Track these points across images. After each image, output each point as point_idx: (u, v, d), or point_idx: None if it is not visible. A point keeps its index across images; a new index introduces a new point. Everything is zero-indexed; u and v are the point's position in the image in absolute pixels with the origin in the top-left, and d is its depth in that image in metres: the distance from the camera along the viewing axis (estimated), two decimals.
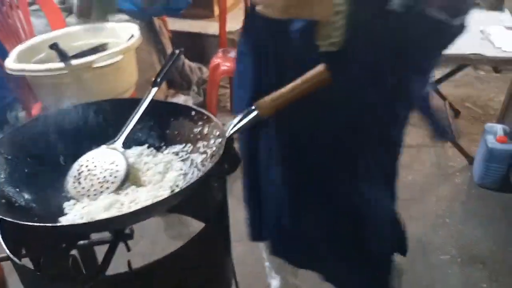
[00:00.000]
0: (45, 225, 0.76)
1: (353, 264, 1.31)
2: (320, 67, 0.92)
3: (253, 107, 0.96)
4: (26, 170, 0.96)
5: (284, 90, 0.95)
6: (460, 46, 2.35)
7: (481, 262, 2.06)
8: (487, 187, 2.47)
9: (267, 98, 0.95)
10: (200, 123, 1.05)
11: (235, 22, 3.61)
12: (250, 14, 1.15)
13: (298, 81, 0.94)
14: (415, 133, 2.95)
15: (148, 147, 1.08)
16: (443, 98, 3.00)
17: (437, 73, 3.13)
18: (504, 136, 2.38)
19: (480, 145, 2.51)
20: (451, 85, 3.40)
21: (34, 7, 2.69)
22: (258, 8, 0.88)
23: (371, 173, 1.17)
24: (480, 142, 2.53)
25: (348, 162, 1.16)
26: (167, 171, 1.01)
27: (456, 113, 3.09)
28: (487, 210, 2.35)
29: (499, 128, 2.44)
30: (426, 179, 2.58)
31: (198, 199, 1.18)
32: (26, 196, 0.92)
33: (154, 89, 1.09)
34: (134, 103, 1.06)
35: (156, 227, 2.24)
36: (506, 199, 2.41)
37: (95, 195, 0.93)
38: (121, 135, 1.02)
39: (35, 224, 0.76)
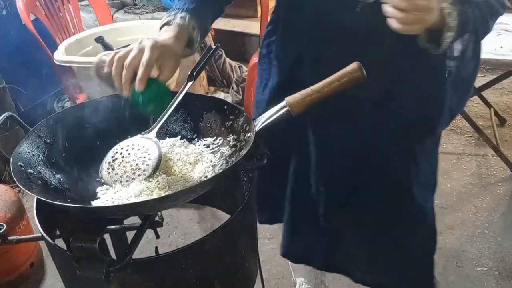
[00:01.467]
0: (75, 206, 0.80)
1: (394, 262, 1.30)
2: (354, 65, 0.91)
3: (284, 103, 0.96)
4: (63, 154, 1.01)
5: (315, 87, 0.95)
6: (508, 52, 2.27)
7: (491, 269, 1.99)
8: None
9: (298, 94, 0.95)
10: (231, 117, 1.07)
11: None
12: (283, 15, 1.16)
13: (330, 78, 0.94)
14: (456, 141, 2.86)
15: (181, 139, 1.10)
16: (488, 105, 2.89)
17: (483, 79, 3.03)
18: None
19: None
20: (498, 93, 3.29)
21: (84, 2, 2.80)
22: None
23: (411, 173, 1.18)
24: None
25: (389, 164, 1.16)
26: (197, 162, 1.03)
27: (502, 121, 2.98)
28: None
29: None
30: (465, 188, 2.50)
31: (227, 192, 1.20)
32: (62, 179, 0.96)
33: (190, 83, 1.12)
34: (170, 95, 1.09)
35: (189, 220, 2.28)
36: None
37: (127, 181, 0.96)
38: (156, 125, 1.05)
39: (67, 204, 0.79)
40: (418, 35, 0.91)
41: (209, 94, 3.23)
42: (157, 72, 0.97)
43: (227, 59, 3.28)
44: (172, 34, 1.01)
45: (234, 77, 3.26)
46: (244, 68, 3.31)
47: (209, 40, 3.17)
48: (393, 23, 0.85)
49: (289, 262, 1.78)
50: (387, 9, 0.85)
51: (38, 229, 0.94)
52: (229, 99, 3.21)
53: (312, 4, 1.06)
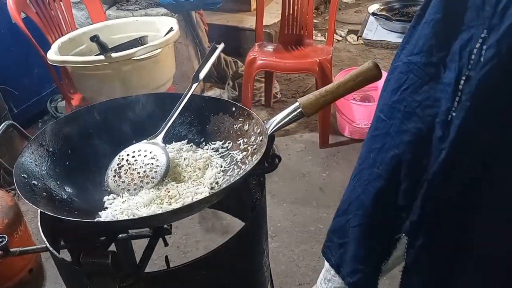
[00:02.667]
0: (86, 221, 0.76)
1: None
2: (369, 63, 0.88)
3: (296, 104, 0.93)
4: (67, 163, 0.97)
5: (329, 87, 0.92)
6: None
7: None
8: None
9: (312, 95, 0.92)
10: (240, 119, 1.03)
11: (271, 16, 3.59)
12: None
13: (345, 77, 0.91)
14: None
15: (188, 143, 1.06)
16: None
17: None
18: None
19: None
20: None
21: None
22: None
23: None
24: None
25: None
26: (207, 167, 0.99)
27: None
28: None
29: None
30: None
31: (236, 196, 1.17)
32: (67, 189, 0.92)
33: (195, 84, 1.08)
34: (175, 97, 1.05)
35: (190, 220, 2.24)
36: None
37: (135, 189, 0.93)
38: (162, 129, 1.01)
39: (78, 219, 0.76)
40: None
41: (205, 91, 3.19)
42: None
43: (222, 54, 3.24)
44: None
45: (229, 73, 3.21)
46: (240, 63, 3.27)
47: (203, 35, 3.12)
48: None
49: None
50: None
51: (36, 234, 0.90)
52: (225, 95, 3.16)
53: None
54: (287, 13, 2.75)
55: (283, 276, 1.96)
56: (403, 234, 1.03)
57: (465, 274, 0.97)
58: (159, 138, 1.00)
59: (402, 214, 1.02)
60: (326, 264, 1.36)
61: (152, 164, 0.96)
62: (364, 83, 0.90)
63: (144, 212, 0.85)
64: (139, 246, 1.21)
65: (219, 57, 3.21)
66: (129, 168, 0.95)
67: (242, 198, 1.18)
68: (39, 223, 0.92)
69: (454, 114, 0.85)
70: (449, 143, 0.85)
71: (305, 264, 1.98)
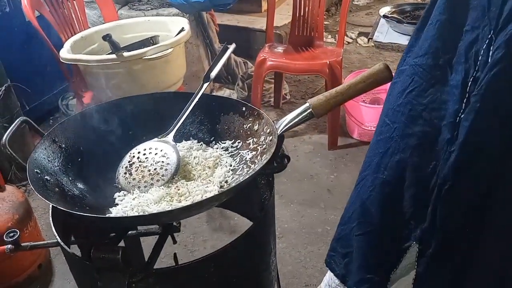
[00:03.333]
0: (97, 216, 0.77)
1: None
2: (380, 65, 0.89)
3: (307, 105, 0.93)
4: (79, 159, 0.98)
5: (339, 88, 0.92)
6: None
7: None
8: None
9: (322, 96, 0.93)
10: (250, 119, 1.04)
11: (282, 17, 3.60)
12: None
13: (355, 79, 0.91)
14: None
15: (198, 141, 1.07)
16: None
17: None
18: None
19: None
20: None
21: None
22: None
23: None
24: None
25: None
26: (216, 166, 1.00)
27: None
28: None
29: None
30: None
31: (244, 195, 1.17)
32: (79, 185, 0.94)
33: (206, 84, 1.09)
34: (186, 96, 1.06)
35: (198, 219, 2.25)
36: None
37: (145, 187, 0.94)
38: (173, 128, 1.02)
39: (87, 214, 0.77)
40: None
41: (214, 91, 3.20)
42: None
43: (232, 55, 3.25)
44: None
45: (239, 74, 3.22)
46: (249, 64, 3.27)
47: (214, 35, 3.14)
48: None
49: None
50: None
51: (45, 230, 0.92)
52: (234, 95, 3.17)
53: None
54: (297, 15, 2.76)
55: (289, 277, 1.96)
56: (414, 242, 1.01)
57: (471, 281, 0.96)
58: (170, 137, 1.01)
59: (411, 221, 1.00)
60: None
61: (162, 162, 0.96)
62: (375, 84, 0.90)
63: (154, 209, 0.86)
64: (147, 244, 1.22)
65: (229, 57, 3.22)
66: (140, 165, 0.97)
67: (251, 197, 1.19)
68: (50, 218, 0.93)
69: (462, 116, 0.84)
70: (458, 146, 0.84)
71: (312, 266, 1.98)
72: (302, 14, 2.75)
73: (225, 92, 3.23)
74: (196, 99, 1.05)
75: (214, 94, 3.14)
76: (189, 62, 2.64)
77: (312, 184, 2.45)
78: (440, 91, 0.89)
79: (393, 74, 0.92)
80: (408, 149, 0.95)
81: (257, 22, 3.63)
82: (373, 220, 1.08)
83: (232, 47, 1.15)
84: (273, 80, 3.06)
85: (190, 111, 1.05)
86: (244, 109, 1.06)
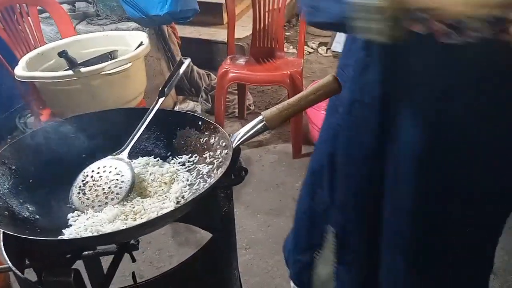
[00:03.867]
0: (48, 239, 0.75)
1: None
2: (329, 77, 0.91)
3: (260, 118, 0.94)
4: (30, 180, 0.95)
5: (291, 100, 0.94)
6: None
7: (493, 273, 2.01)
8: None
9: (275, 109, 0.94)
10: (206, 133, 1.04)
11: (243, 29, 3.63)
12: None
13: (306, 91, 0.93)
14: None
15: (154, 157, 1.06)
16: None
17: None
18: None
19: None
20: None
21: (44, 14, 2.70)
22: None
23: None
24: None
25: None
26: (173, 181, 0.99)
27: None
28: None
29: None
30: None
31: (204, 209, 1.17)
32: (30, 207, 0.91)
33: (161, 99, 1.08)
34: (141, 112, 1.05)
35: (163, 234, 2.23)
36: None
37: (99, 206, 0.92)
38: (127, 145, 1.01)
39: (38, 238, 0.75)
40: None
41: (178, 104, 3.19)
42: None
43: (195, 67, 3.25)
44: None
45: (202, 85, 3.23)
46: (213, 76, 3.28)
47: (176, 48, 3.13)
48: None
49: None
50: None
51: (4, 258, 0.89)
52: (198, 107, 3.17)
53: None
54: (258, 27, 2.79)
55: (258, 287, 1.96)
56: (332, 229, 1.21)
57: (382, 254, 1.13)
58: (125, 154, 1.00)
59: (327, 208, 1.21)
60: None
61: (117, 179, 0.95)
62: (325, 96, 0.92)
63: (108, 229, 0.85)
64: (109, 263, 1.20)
65: (192, 70, 3.22)
66: (93, 184, 0.95)
67: (210, 211, 1.18)
68: (1, 243, 0.90)
69: None
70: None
71: (279, 275, 1.98)
72: (262, 26, 2.78)
73: (189, 105, 3.22)
74: (151, 115, 1.04)
75: (177, 107, 3.13)
76: (151, 75, 2.63)
77: (278, 194, 2.47)
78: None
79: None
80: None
81: (219, 34, 3.65)
82: (304, 207, 1.33)
83: (187, 61, 1.15)
84: (236, 92, 3.08)
85: (146, 126, 1.04)
86: (200, 123, 1.05)
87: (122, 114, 1.09)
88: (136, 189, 0.96)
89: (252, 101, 3.24)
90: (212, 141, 1.02)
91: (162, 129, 1.09)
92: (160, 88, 1.10)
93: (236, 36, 2.92)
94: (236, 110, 3.13)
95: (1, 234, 0.91)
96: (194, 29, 3.74)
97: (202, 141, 1.04)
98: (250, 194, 2.45)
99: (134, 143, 1.02)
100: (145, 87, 2.23)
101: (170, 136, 1.08)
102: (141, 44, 2.09)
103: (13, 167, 0.94)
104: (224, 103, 2.79)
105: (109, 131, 1.06)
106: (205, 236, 2.26)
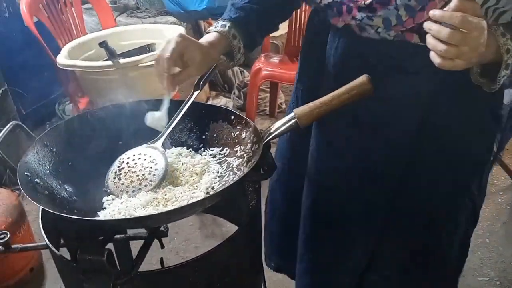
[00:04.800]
0: (84, 219, 0.79)
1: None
2: (363, 78, 0.91)
3: (292, 115, 0.96)
4: (70, 163, 1.00)
5: (323, 99, 0.95)
6: None
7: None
8: None
9: (306, 107, 0.95)
10: (238, 127, 1.06)
11: (279, 27, 3.63)
12: None
13: (339, 90, 0.94)
14: None
15: (187, 148, 1.10)
16: None
17: None
18: None
19: None
20: None
21: (87, 5, 2.79)
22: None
23: None
24: None
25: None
26: (204, 172, 1.02)
27: None
28: None
29: None
30: None
31: (232, 202, 1.20)
32: (68, 188, 0.96)
33: (196, 92, 1.11)
34: (176, 104, 1.09)
35: (190, 225, 2.27)
36: None
37: (133, 191, 0.96)
38: (162, 135, 1.04)
39: (74, 217, 0.79)
40: (472, 69, 0.86)
41: (210, 99, 3.23)
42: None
43: None
44: (208, 39, 1.02)
45: (235, 82, 3.26)
46: (246, 73, 3.31)
47: None
48: (434, 58, 0.77)
49: None
50: (429, 40, 0.77)
51: (38, 234, 0.94)
52: (230, 104, 3.20)
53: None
54: (293, 26, 2.79)
55: (279, 285, 1.97)
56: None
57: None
58: (159, 143, 1.03)
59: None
60: None
61: (151, 167, 0.99)
62: (358, 96, 0.93)
63: (140, 213, 0.88)
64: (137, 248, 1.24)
65: None
66: (129, 170, 0.99)
67: (238, 204, 1.21)
68: (40, 221, 0.95)
69: None
70: None
71: None
72: (298, 25, 2.79)
73: (221, 101, 3.26)
74: (186, 107, 1.07)
75: (210, 102, 3.17)
76: None
77: None
78: None
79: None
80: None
81: None
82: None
83: (222, 57, 1.18)
84: (269, 90, 3.10)
85: (180, 118, 1.07)
86: (232, 117, 1.08)
87: (158, 105, 1.13)
88: (169, 177, 1.00)
89: (284, 99, 3.25)
90: (243, 135, 1.04)
91: (195, 121, 1.12)
92: (195, 82, 1.13)
93: (271, 34, 2.93)
94: (268, 108, 3.15)
95: (40, 213, 0.96)
96: None
97: (234, 135, 1.07)
98: None
99: (169, 133, 1.05)
100: None
101: (203, 128, 1.12)
102: None
103: (54, 150, 0.99)
104: (256, 101, 2.81)
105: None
106: (231, 229, 2.28)
